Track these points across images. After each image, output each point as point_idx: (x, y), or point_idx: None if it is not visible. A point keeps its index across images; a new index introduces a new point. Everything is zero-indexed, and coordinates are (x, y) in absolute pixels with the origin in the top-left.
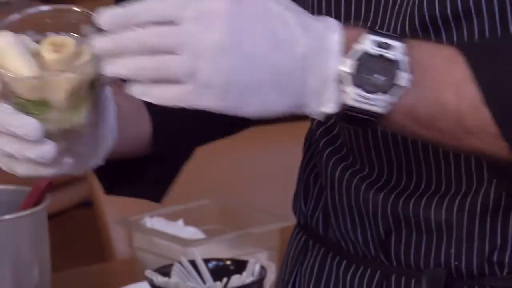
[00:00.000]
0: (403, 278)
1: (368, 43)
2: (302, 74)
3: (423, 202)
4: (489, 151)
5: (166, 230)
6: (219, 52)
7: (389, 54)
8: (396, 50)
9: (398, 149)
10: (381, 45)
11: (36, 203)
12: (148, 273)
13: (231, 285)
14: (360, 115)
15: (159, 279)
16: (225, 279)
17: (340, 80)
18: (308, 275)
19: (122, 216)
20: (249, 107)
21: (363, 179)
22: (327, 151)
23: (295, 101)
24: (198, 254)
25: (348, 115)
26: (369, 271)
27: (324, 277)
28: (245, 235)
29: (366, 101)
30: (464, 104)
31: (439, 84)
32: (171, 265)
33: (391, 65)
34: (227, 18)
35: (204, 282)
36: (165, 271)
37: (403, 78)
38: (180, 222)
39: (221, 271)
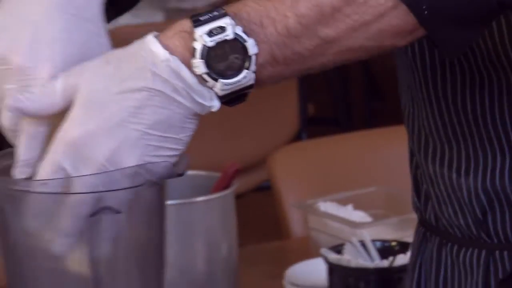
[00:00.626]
0: (505, 253)
1: (202, 37)
2: (174, 107)
3: (506, 177)
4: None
5: (338, 214)
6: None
7: (225, 36)
8: (228, 27)
9: (469, 123)
10: (213, 31)
11: (225, 187)
12: (323, 251)
13: (396, 263)
14: (238, 94)
15: (333, 256)
16: (390, 258)
17: (203, 82)
18: (429, 264)
19: (297, 200)
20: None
21: (450, 167)
22: (414, 142)
23: (189, 122)
24: (367, 235)
25: (229, 101)
26: (476, 250)
27: (442, 264)
28: (408, 220)
29: (233, 85)
30: (304, 21)
31: (277, 23)
32: (342, 245)
33: (234, 43)
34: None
35: (372, 260)
36: (337, 249)
37: (249, 47)
38: (350, 207)
39: (386, 251)
